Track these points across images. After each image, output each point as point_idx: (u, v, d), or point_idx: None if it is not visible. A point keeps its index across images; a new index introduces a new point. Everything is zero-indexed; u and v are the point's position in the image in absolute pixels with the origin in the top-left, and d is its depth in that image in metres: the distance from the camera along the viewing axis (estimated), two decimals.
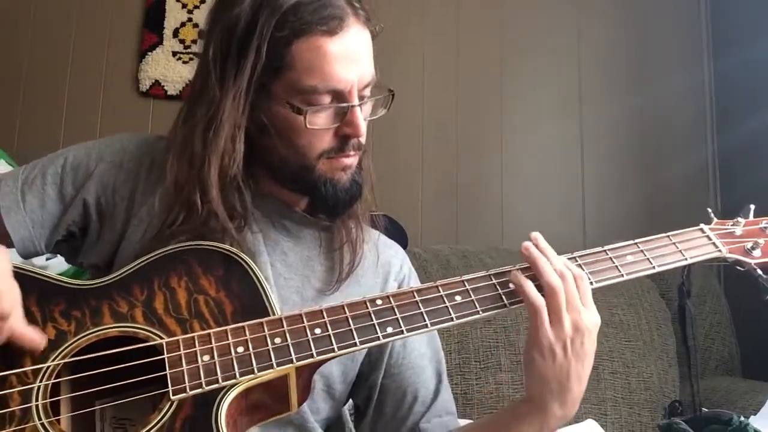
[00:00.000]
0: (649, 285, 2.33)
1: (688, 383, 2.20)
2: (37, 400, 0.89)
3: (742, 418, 1.47)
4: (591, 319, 1.02)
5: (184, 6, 2.72)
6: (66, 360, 0.93)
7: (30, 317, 0.96)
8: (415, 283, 1.34)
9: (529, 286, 1.01)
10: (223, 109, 1.07)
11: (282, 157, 1.14)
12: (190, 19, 2.71)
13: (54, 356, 0.93)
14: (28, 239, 1.16)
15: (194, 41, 2.70)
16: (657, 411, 2.11)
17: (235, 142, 1.09)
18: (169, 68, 2.67)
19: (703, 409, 1.44)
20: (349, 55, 1.07)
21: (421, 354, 1.28)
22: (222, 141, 1.08)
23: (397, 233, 2.27)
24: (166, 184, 1.12)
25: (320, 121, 1.09)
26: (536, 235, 1.07)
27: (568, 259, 1.08)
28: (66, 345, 0.94)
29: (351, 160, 1.14)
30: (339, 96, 1.09)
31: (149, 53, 2.68)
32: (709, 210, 1.21)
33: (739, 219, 1.19)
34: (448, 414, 1.26)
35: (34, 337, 0.93)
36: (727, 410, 1.53)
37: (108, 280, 1.02)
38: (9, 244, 1.15)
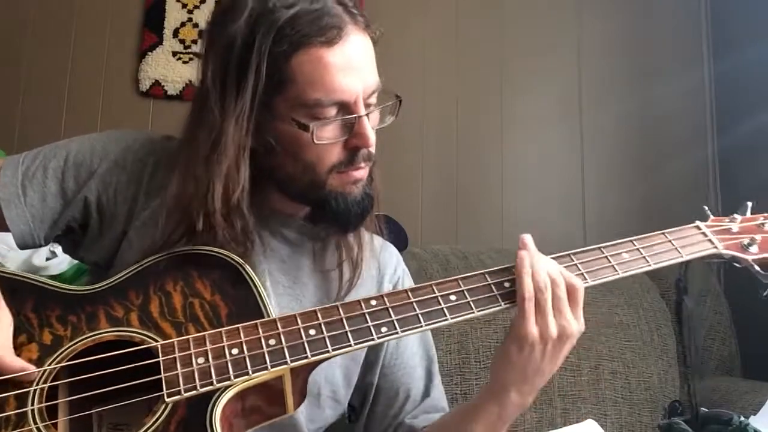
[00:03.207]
0: (649, 285, 2.33)
1: (687, 383, 2.19)
2: (32, 404, 0.88)
3: (742, 418, 1.47)
4: (577, 327, 1.02)
5: (184, 6, 2.72)
6: (62, 364, 0.93)
7: (27, 323, 0.97)
8: (408, 284, 1.33)
9: (527, 275, 1.01)
10: (226, 132, 1.04)
11: (291, 175, 1.11)
12: (190, 19, 2.71)
13: (50, 361, 0.93)
14: (27, 233, 1.16)
15: (194, 41, 2.70)
16: (657, 411, 2.10)
17: (239, 166, 1.06)
18: (169, 68, 2.67)
19: (703, 409, 1.44)
20: (350, 64, 1.05)
21: (412, 353, 1.28)
22: (225, 166, 1.05)
23: (397, 233, 2.28)
24: (169, 204, 1.09)
25: (328, 134, 1.07)
26: (527, 240, 1.07)
27: (563, 257, 1.07)
28: (62, 349, 0.94)
29: (362, 172, 1.12)
30: (345, 107, 1.06)
31: (149, 53, 2.67)
32: (706, 207, 1.20)
33: (736, 216, 1.18)
34: (437, 411, 1.27)
35: (23, 367, 0.92)
36: (727, 410, 1.52)
37: (103, 285, 1.02)
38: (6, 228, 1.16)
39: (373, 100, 1.11)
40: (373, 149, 1.12)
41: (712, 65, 2.92)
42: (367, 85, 1.07)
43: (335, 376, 1.20)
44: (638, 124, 2.88)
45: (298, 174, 1.11)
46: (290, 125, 1.06)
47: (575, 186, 2.83)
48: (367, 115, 1.08)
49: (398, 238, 2.27)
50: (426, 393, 1.28)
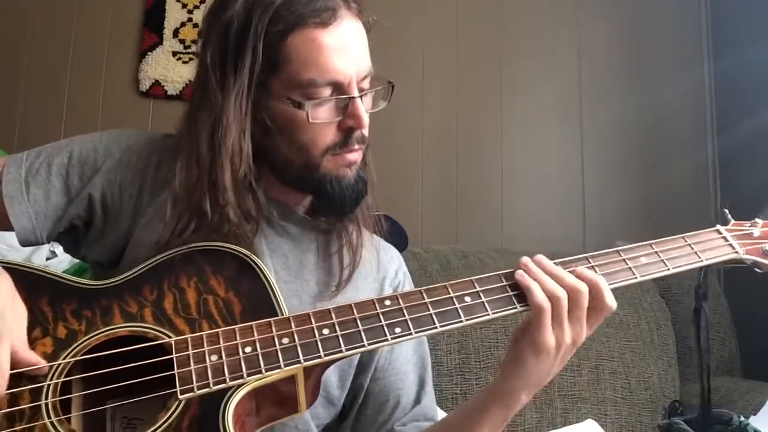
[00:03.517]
0: (649, 285, 2.34)
1: (688, 383, 2.20)
2: (46, 398, 0.89)
3: (742, 418, 1.48)
4: (588, 333, 1.03)
5: (184, 6, 2.72)
6: (76, 359, 0.93)
7: (41, 317, 0.96)
8: (409, 287, 1.33)
9: (537, 287, 1.00)
10: (227, 113, 1.07)
11: (285, 157, 1.13)
12: (190, 19, 2.71)
13: (64, 355, 0.93)
14: (30, 230, 1.15)
15: (194, 41, 2.69)
16: (657, 411, 2.11)
17: (242, 145, 1.08)
18: (169, 68, 2.67)
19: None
20: (344, 47, 1.07)
21: (406, 360, 1.28)
22: (230, 142, 1.07)
23: (397, 233, 2.28)
24: (175, 190, 1.10)
25: (322, 114, 1.09)
26: (539, 257, 1.05)
27: (580, 260, 1.06)
28: (76, 344, 0.94)
29: (355, 155, 1.14)
30: (339, 88, 1.08)
31: (149, 53, 2.67)
32: (726, 211, 1.19)
33: (758, 220, 1.17)
34: (426, 420, 1.26)
35: (38, 361, 0.92)
36: (727, 410, 1.53)
37: (119, 280, 1.02)
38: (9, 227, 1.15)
39: (365, 84, 1.13)
40: (366, 131, 1.14)
41: (712, 65, 2.93)
42: (360, 68, 1.10)
43: (330, 377, 1.20)
44: (638, 124, 2.88)
45: (293, 156, 1.12)
46: (286, 104, 1.08)
47: (575, 186, 2.83)
48: (360, 97, 1.10)
49: (398, 238, 2.27)
50: (417, 400, 1.28)
